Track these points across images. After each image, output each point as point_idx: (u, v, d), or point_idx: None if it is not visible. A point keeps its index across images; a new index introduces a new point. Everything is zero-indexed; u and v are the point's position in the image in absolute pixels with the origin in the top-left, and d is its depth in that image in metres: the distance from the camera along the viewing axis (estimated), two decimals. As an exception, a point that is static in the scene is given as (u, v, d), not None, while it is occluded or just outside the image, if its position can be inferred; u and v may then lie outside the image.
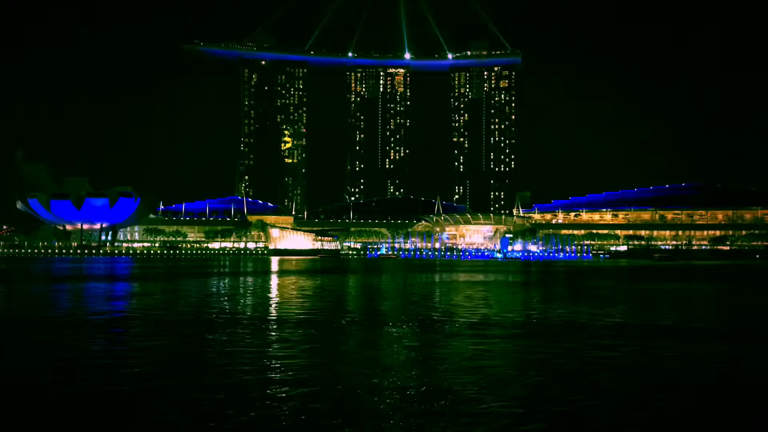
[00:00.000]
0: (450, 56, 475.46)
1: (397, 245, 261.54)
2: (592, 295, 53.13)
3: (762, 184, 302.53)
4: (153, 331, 28.81)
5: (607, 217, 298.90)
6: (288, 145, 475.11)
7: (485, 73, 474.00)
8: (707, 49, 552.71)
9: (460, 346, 25.19)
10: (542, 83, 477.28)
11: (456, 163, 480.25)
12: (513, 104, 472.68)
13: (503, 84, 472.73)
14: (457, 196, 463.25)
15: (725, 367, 22.07)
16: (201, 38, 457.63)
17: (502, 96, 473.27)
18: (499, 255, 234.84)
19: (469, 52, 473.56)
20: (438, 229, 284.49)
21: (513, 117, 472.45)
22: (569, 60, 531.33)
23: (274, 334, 28.40)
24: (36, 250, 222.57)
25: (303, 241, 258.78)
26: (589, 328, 30.30)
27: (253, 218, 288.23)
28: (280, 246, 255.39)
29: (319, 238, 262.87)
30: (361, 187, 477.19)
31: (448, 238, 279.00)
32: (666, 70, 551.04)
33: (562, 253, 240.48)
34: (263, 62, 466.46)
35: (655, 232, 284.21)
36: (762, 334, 30.64)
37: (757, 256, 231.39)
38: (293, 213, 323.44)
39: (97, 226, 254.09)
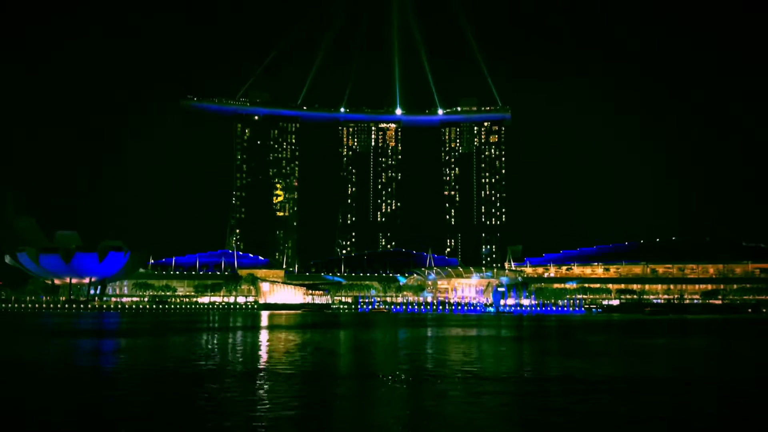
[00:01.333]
0: (440, 112, 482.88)
1: (388, 299, 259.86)
2: (586, 350, 52.68)
3: (752, 238, 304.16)
4: (136, 386, 28.22)
5: (599, 271, 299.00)
6: (280, 199, 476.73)
7: (475, 128, 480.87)
8: (696, 104, 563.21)
9: (452, 401, 24.76)
10: (532, 137, 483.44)
11: (447, 217, 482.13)
12: (503, 158, 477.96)
13: (493, 139, 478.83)
14: (448, 250, 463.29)
15: (717, 417, 21.75)
16: (195, 93, 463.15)
17: (492, 150, 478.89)
18: (491, 309, 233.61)
19: (459, 108, 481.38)
20: (430, 282, 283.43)
21: (503, 171, 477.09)
22: (559, 115, 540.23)
23: (262, 390, 27.85)
24: (23, 305, 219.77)
25: (293, 295, 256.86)
26: (584, 383, 29.90)
27: (243, 272, 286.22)
28: (271, 300, 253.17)
29: (310, 291, 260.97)
30: (353, 240, 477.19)
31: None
32: (655, 128, 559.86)
33: (554, 307, 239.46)
34: (256, 117, 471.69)
35: (647, 286, 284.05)
36: (744, 386, 30.32)
37: (749, 310, 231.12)
38: (284, 266, 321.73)
39: (86, 280, 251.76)
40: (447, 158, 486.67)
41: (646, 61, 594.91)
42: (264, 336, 70.66)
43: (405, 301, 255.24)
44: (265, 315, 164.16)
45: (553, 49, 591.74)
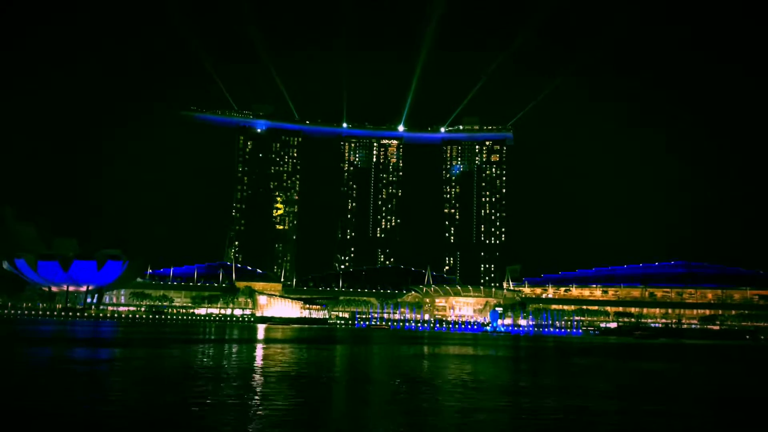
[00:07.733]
0: (443, 130, 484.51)
1: (386, 315, 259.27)
2: (578, 372, 52.61)
3: (751, 264, 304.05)
4: (128, 390, 28.18)
5: (597, 293, 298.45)
6: (280, 212, 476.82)
7: (477, 146, 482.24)
8: (699, 125, 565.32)
9: (446, 415, 24.77)
10: (533, 157, 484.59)
11: (447, 234, 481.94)
12: (504, 178, 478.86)
13: (494, 158, 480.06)
14: (447, 267, 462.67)
15: None
16: (198, 105, 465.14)
17: (493, 170, 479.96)
18: (488, 328, 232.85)
19: (461, 126, 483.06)
20: (428, 300, 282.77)
21: (504, 190, 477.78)
22: (560, 135, 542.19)
23: (257, 393, 27.79)
24: (19, 312, 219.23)
25: (290, 308, 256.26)
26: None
27: (241, 284, 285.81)
28: (267, 313, 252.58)
29: (307, 306, 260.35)
30: (352, 255, 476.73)
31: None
32: (656, 148, 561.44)
33: (551, 328, 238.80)
34: (259, 130, 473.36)
35: (644, 310, 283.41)
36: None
37: (747, 336, 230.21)
38: (282, 280, 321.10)
39: (84, 288, 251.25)
40: (448, 176, 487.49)
41: (649, 82, 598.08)
42: (260, 349, 70.55)
43: (402, 317, 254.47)
44: (261, 328, 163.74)
45: (555, 73, 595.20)
